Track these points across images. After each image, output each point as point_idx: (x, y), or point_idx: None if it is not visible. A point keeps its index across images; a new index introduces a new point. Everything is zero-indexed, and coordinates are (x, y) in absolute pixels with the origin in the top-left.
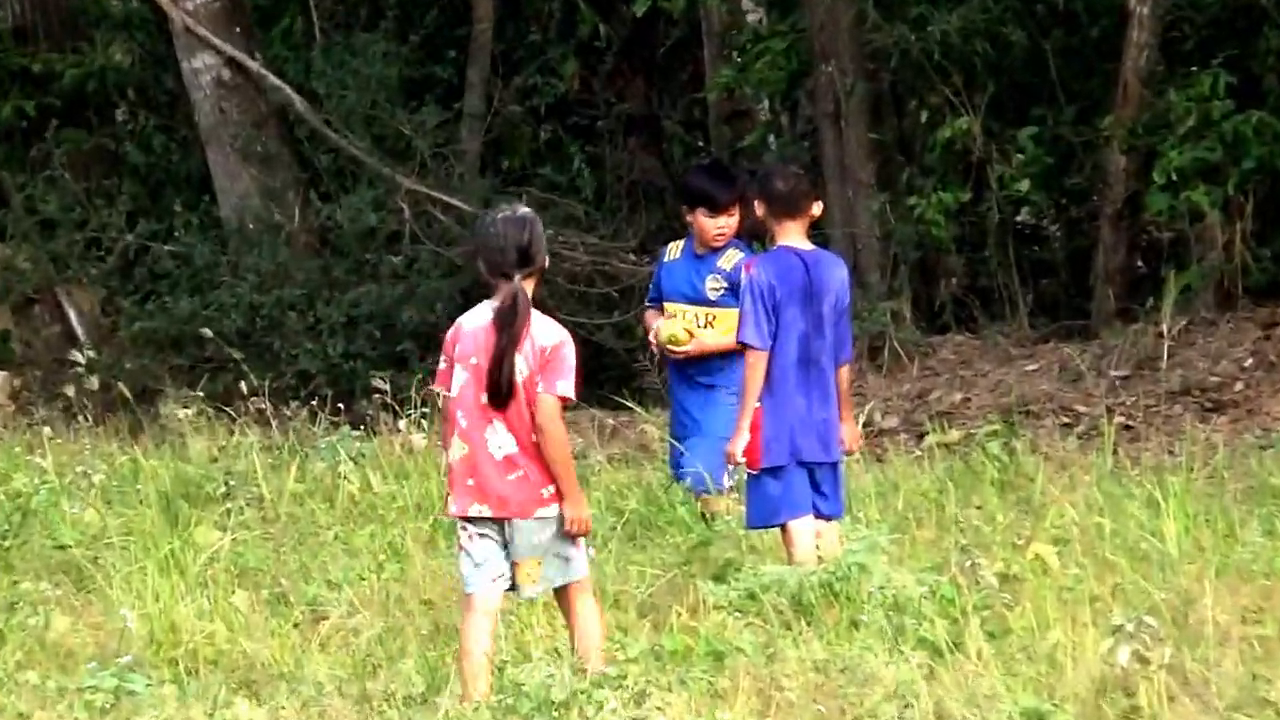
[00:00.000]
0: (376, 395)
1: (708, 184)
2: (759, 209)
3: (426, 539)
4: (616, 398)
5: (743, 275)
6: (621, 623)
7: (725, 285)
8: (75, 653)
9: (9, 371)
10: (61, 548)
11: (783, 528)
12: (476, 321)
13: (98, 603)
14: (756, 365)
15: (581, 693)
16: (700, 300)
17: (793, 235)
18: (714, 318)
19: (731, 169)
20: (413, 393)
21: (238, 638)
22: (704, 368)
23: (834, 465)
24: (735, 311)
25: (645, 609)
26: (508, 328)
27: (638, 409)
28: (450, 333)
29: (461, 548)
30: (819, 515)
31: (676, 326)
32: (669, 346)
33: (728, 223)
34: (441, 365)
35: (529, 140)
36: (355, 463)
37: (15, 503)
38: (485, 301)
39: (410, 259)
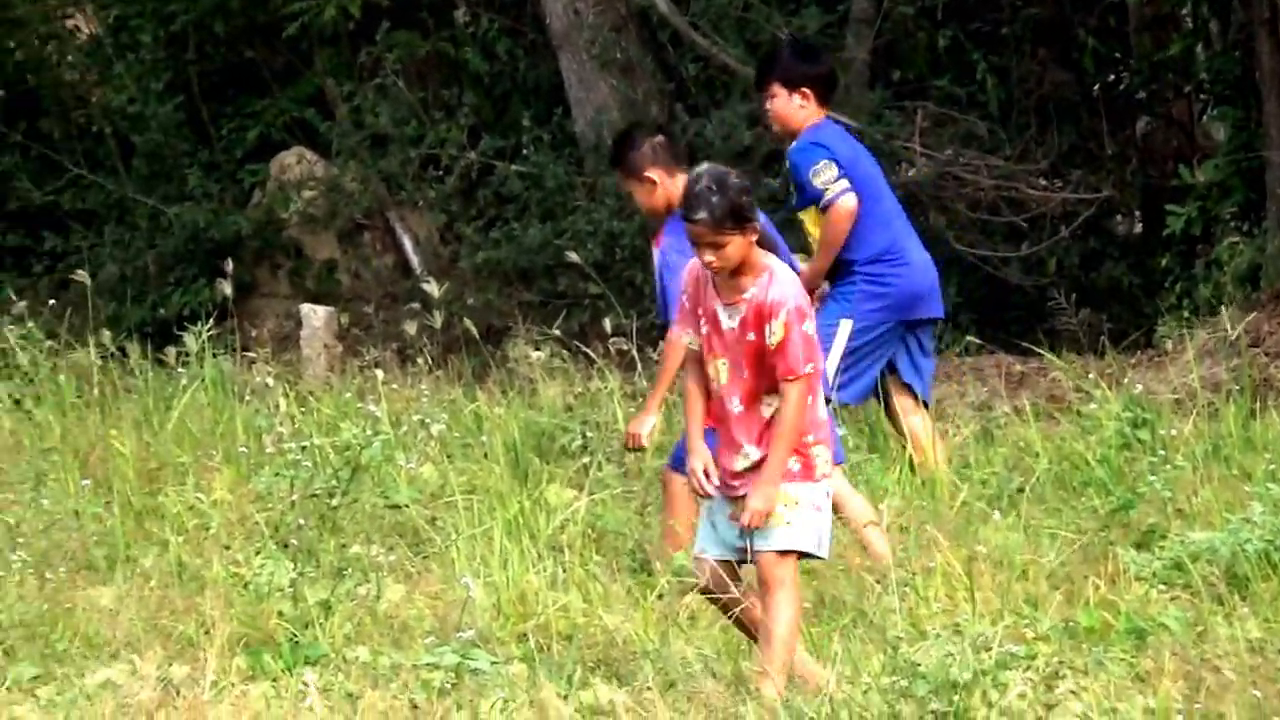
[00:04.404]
0: None
1: None
2: (654, 178)
3: None
4: (1024, 341)
5: (654, 252)
6: (1031, 595)
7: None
8: (411, 626)
9: (336, 307)
10: (395, 507)
11: None
12: None
13: (436, 570)
14: (677, 342)
15: (985, 673)
16: None
17: None
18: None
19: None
20: None
21: (595, 610)
22: None
23: None
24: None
25: (1057, 580)
26: None
27: (1048, 354)
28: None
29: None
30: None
31: None
32: None
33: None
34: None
35: (925, 48)
36: None
37: (344, 456)
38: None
39: None
